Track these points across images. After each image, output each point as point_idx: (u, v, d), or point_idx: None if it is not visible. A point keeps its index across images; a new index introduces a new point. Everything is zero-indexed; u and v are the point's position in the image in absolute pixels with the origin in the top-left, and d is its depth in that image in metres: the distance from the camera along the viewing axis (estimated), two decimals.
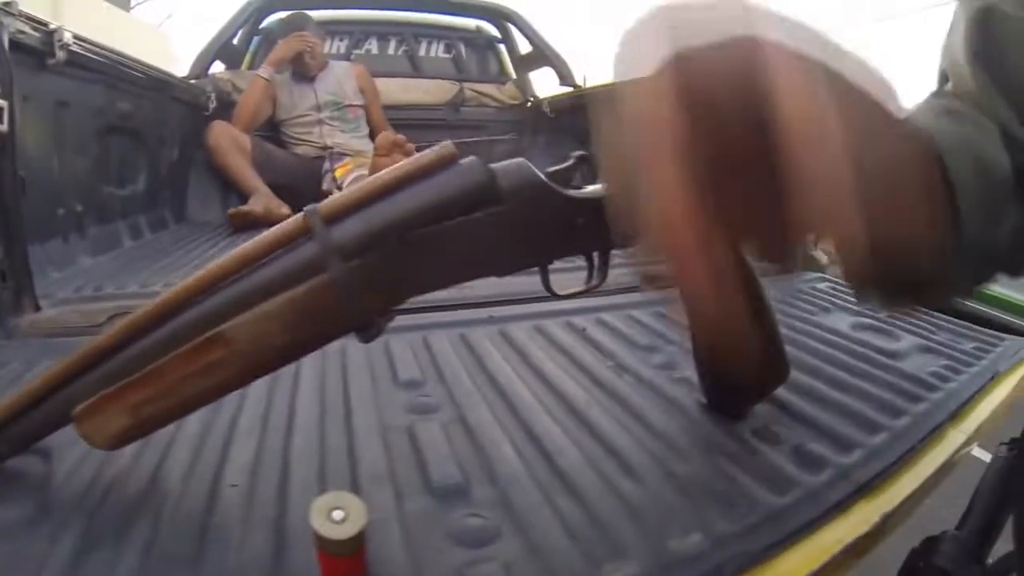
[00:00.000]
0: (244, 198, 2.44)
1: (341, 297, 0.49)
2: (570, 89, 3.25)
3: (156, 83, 2.16)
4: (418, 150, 2.20)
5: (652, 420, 0.74)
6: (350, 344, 0.93)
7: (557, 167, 0.58)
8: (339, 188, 2.50)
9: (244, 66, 3.24)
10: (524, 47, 3.53)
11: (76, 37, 1.49)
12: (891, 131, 0.32)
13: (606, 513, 0.56)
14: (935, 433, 0.75)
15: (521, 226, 0.53)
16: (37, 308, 1.18)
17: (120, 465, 0.63)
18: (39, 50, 1.37)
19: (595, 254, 0.59)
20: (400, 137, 1.75)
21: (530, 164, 0.55)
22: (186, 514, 0.56)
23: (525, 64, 3.55)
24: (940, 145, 0.36)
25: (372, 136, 2.93)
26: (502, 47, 3.68)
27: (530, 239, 0.55)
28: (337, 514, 0.41)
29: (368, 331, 0.52)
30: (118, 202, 1.89)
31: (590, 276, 0.60)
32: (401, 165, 0.52)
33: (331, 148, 2.74)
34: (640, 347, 0.99)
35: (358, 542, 0.42)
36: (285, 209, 2.28)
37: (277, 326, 0.49)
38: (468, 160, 0.53)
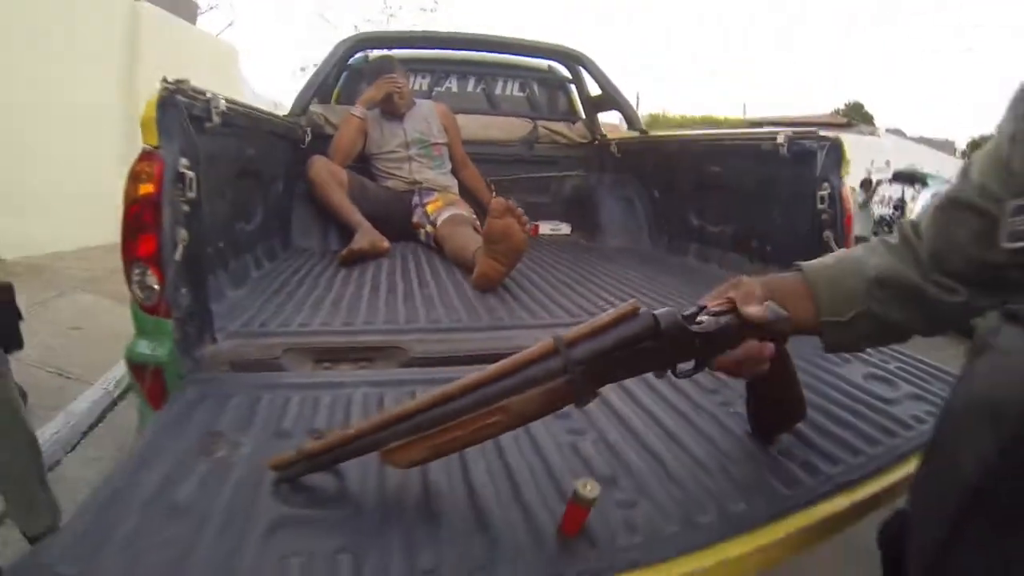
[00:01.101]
0: (342, 227, 2.68)
1: (574, 389, 0.80)
2: (636, 133, 3.45)
3: (270, 125, 2.40)
4: (494, 184, 2.42)
5: (715, 438, 1.09)
6: None
7: (689, 312, 0.87)
8: (431, 223, 2.74)
9: (333, 100, 3.51)
10: (593, 89, 3.73)
11: (227, 101, 1.69)
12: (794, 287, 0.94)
13: (691, 490, 0.93)
14: (900, 459, 1.05)
15: (668, 349, 0.83)
16: (214, 340, 1.40)
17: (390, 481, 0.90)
18: (201, 117, 1.56)
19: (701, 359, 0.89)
20: (512, 203, 1.97)
21: (676, 313, 0.84)
22: (452, 504, 0.86)
23: (594, 105, 3.75)
24: (809, 278, 0.94)
25: (454, 171, 3.19)
26: (572, 88, 3.89)
27: (672, 355, 0.85)
28: (588, 487, 0.76)
29: (584, 403, 0.82)
30: (245, 236, 2.10)
31: (696, 370, 0.89)
32: (607, 317, 0.81)
33: (419, 183, 2.98)
34: (708, 390, 1.29)
35: (593, 502, 0.77)
36: (385, 243, 2.50)
37: (535, 405, 0.79)
38: (643, 312, 0.82)
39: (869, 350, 1.47)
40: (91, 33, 6.63)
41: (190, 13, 13.48)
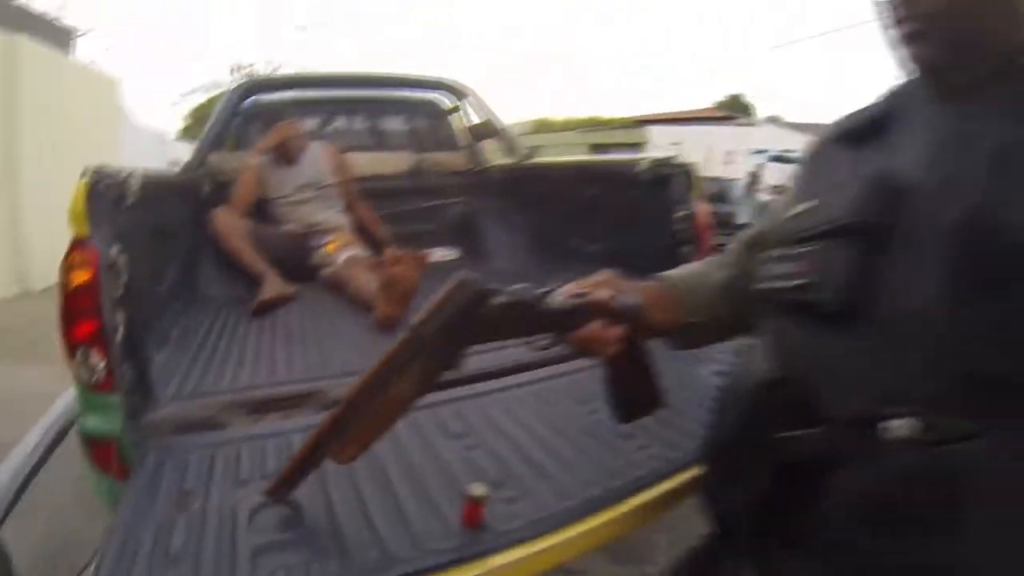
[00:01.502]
0: (248, 275, 2.85)
1: (436, 361, 1.00)
2: (514, 160, 3.75)
3: (174, 185, 2.58)
4: (383, 217, 2.73)
5: (581, 441, 1.41)
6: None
7: (543, 291, 1.08)
8: (330, 264, 2.95)
9: (229, 147, 3.65)
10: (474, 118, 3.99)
11: (142, 176, 1.82)
12: (661, 292, 1.13)
13: (560, 484, 1.24)
14: None
15: (516, 320, 1.04)
16: (157, 407, 1.56)
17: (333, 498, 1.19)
18: (119, 197, 1.67)
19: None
20: (402, 253, 2.24)
21: (528, 289, 1.06)
22: (382, 509, 1.16)
23: (475, 134, 4.03)
24: (674, 285, 1.12)
25: (347, 209, 3.41)
26: (455, 117, 4.15)
27: (521, 326, 1.06)
28: (479, 489, 1.05)
29: (452, 367, 1.01)
30: (162, 298, 2.21)
31: (553, 344, 1.09)
32: (442, 293, 0.98)
33: (315, 225, 3.19)
34: (580, 401, 1.61)
35: (484, 499, 1.07)
36: (291, 289, 2.71)
37: (414, 383, 1.00)
38: (470, 282, 1.00)
39: (718, 353, 1.74)
40: None
41: (64, 39, 13.01)
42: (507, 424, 1.50)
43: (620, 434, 1.38)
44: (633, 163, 2.42)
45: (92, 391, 1.42)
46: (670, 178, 2.24)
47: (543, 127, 30.71)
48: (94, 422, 1.44)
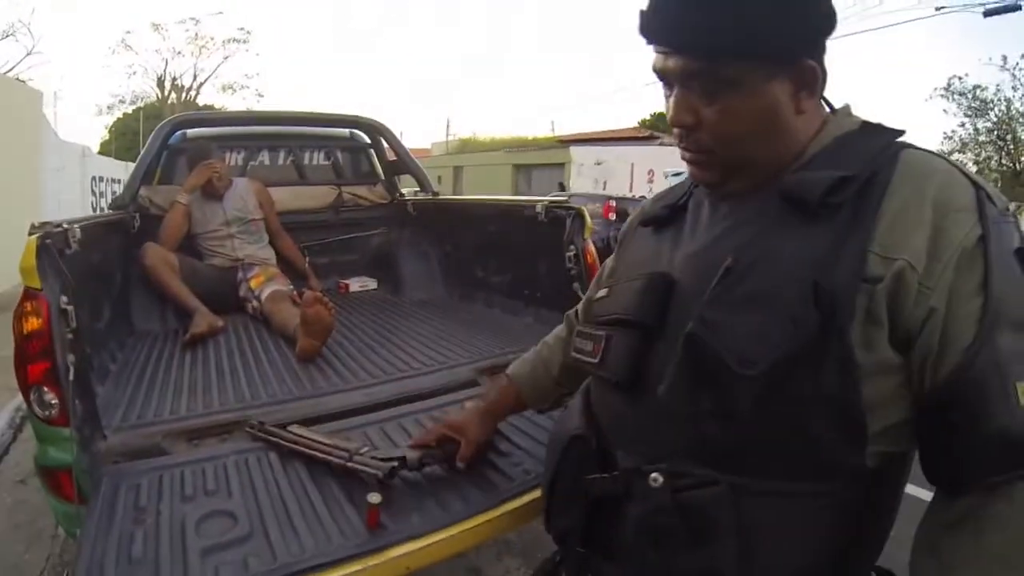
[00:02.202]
0: (178, 308, 3.04)
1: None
2: (429, 195, 4.05)
3: (107, 225, 2.73)
4: (307, 249, 3.31)
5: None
6: None
7: (398, 456, 1.50)
8: (256, 298, 3.16)
9: (156, 180, 3.79)
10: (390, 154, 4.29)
11: (79, 225, 1.98)
12: (506, 392, 1.48)
13: (445, 494, 1.49)
14: None
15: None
16: (104, 437, 1.74)
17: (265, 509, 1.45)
18: (61, 248, 1.80)
19: None
20: (319, 295, 2.45)
21: (391, 466, 1.48)
22: (301, 513, 1.43)
23: (392, 168, 4.31)
24: (516, 384, 1.46)
25: (271, 242, 3.63)
26: (372, 152, 4.40)
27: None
28: (375, 497, 1.32)
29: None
30: (100, 334, 2.37)
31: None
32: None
33: (241, 259, 3.39)
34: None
35: (379, 505, 1.34)
36: (220, 323, 2.90)
37: None
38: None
39: None
40: None
41: None
42: (401, 443, 1.73)
43: (499, 452, 1.67)
44: (532, 204, 2.66)
45: (47, 425, 1.58)
46: (564, 219, 2.47)
47: (469, 146, 30.87)
48: (51, 453, 1.58)
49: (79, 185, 11.99)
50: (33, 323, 1.56)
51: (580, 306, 1.32)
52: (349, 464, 1.52)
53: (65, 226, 1.89)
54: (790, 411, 0.76)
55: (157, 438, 1.76)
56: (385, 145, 4.25)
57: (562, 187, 17.87)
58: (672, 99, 0.88)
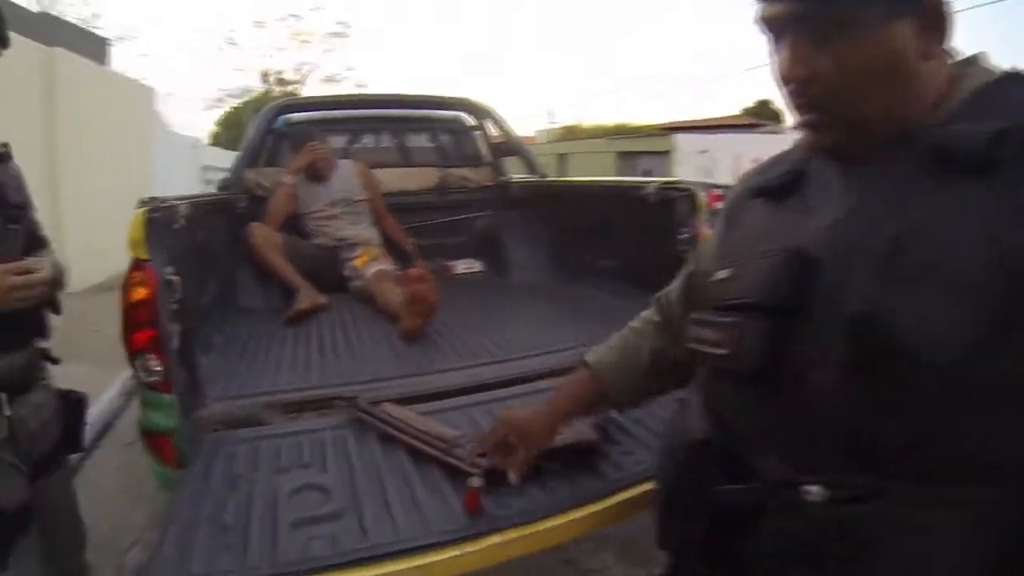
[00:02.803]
0: (282, 286, 3.04)
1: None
2: (535, 177, 3.92)
3: (215, 205, 2.79)
4: (411, 230, 2.99)
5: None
6: None
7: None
8: (359, 277, 3.13)
9: (262, 163, 3.84)
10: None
11: (187, 202, 2.02)
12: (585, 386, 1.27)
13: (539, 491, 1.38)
14: None
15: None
16: (205, 405, 1.78)
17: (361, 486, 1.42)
18: (169, 222, 1.86)
19: None
20: (424, 272, 2.43)
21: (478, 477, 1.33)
22: (399, 496, 1.39)
23: (498, 151, 4.20)
24: (597, 375, 1.24)
25: (375, 223, 3.58)
26: (478, 134, 4.31)
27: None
28: (476, 480, 1.25)
29: None
30: (206, 308, 2.42)
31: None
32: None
33: (345, 239, 3.37)
34: None
35: (480, 489, 1.26)
36: (323, 299, 2.89)
37: None
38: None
39: None
40: (11, 85, 6.67)
41: (100, 47, 13.26)
42: None
43: (609, 439, 1.56)
44: (642, 185, 2.57)
45: (151, 391, 1.61)
46: (675, 201, 2.37)
47: (572, 133, 30.82)
48: (154, 418, 1.62)
49: (190, 174, 12.94)
50: (140, 292, 1.60)
51: (676, 289, 1.18)
52: (447, 459, 1.46)
53: (173, 202, 1.93)
54: (977, 401, 0.65)
55: (256, 409, 1.78)
56: (491, 128, 4.15)
57: (649, 175, 17.45)
58: (780, 51, 0.79)
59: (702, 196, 2.35)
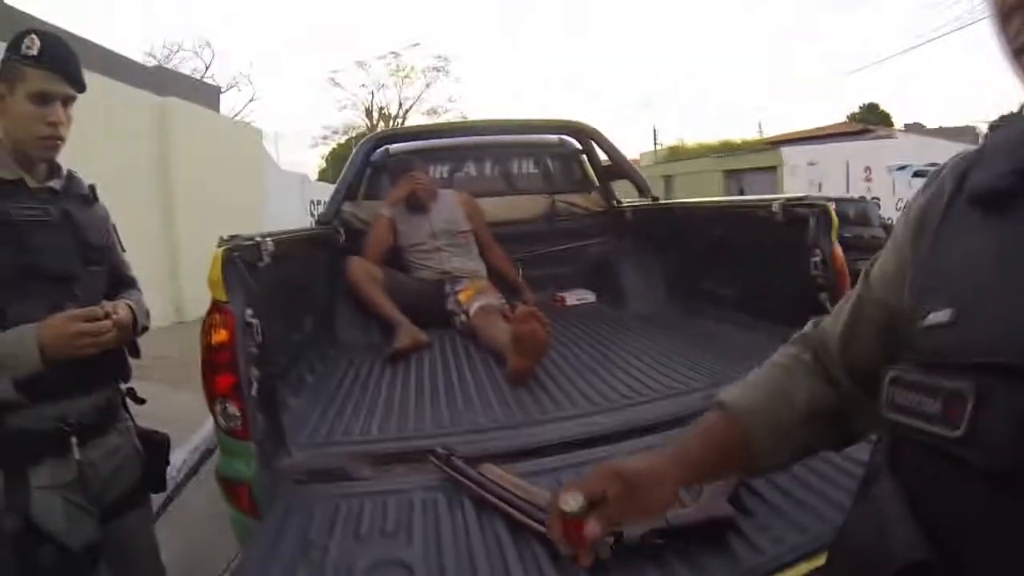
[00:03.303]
0: (381, 322, 2.91)
1: None
2: (648, 200, 3.65)
3: (309, 240, 2.67)
4: (520, 260, 2.84)
5: None
6: None
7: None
8: (464, 312, 2.93)
9: (361, 196, 3.75)
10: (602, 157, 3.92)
11: (273, 239, 1.90)
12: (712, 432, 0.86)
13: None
14: None
15: None
16: (289, 454, 1.64)
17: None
18: (253, 261, 1.77)
19: None
20: (534, 309, 2.19)
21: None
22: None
23: (606, 174, 3.96)
24: (744, 423, 0.83)
25: (481, 254, 3.40)
26: (584, 157, 4.08)
27: None
28: (570, 499, 0.77)
29: None
30: (298, 346, 2.31)
31: None
32: None
33: (449, 272, 3.19)
34: None
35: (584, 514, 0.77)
36: (424, 337, 2.72)
37: None
38: None
39: None
40: (126, 130, 7.18)
41: (212, 95, 14.13)
42: None
43: (740, 508, 1.27)
44: (767, 204, 2.31)
45: (228, 436, 1.56)
46: (806, 219, 2.11)
47: (677, 154, 30.38)
48: (231, 465, 1.57)
49: (299, 208, 13.65)
50: (218, 336, 1.55)
51: (835, 324, 0.86)
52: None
53: (258, 239, 1.84)
54: None
55: (342, 460, 1.65)
56: (598, 151, 3.91)
57: (742, 192, 16.85)
58: None
59: (834, 213, 2.08)
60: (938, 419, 0.55)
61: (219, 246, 1.60)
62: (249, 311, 1.60)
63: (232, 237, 1.68)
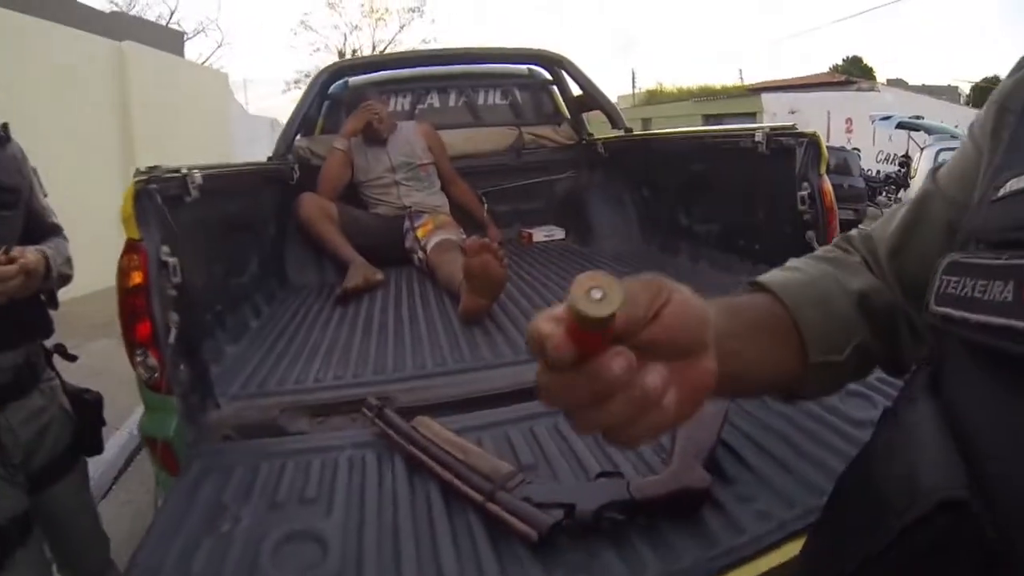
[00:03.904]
0: (336, 262, 2.74)
1: None
2: (621, 132, 3.46)
3: (255, 175, 2.47)
4: (485, 195, 2.46)
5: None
6: None
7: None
8: (422, 248, 2.76)
9: (317, 131, 3.55)
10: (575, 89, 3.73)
11: (203, 171, 1.72)
12: (744, 306, 0.60)
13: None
14: None
15: None
16: (217, 406, 1.48)
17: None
18: (179, 195, 1.61)
19: None
20: (486, 241, 1.99)
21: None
22: None
23: (577, 106, 3.76)
24: (788, 303, 0.61)
25: (444, 188, 3.22)
26: (555, 89, 3.89)
27: None
28: (596, 293, 0.37)
29: None
30: (241, 289, 2.15)
31: None
32: None
33: (409, 207, 3.01)
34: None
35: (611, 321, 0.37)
36: (378, 275, 2.55)
37: None
38: None
39: None
40: (81, 77, 6.96)
41: (176, 40, 13.74)
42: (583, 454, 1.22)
43: (719, 476, 1.06)
44: (750, 133, 2.12)
45: (148, 389, 1.41)
46: (792, 150, 1.94)
47: (655, 98, 30.07)
48: (153, 422, 1.44)
49: (269, 153, 13.07)
50: (132, 278, 1.38)
51: (888, 225, 0.68)
52: (489, 506, 1.01)
53: (184, 171, 1.66)
54: None
55: (275, 412, 1.49)
56: (569, 83, 3.70)
57: None
58: None
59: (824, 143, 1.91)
60: (1008, 308, 0.41)
61: (134, 178, 1.42)
62: (165, 248, 1.42)
63: (151, 168, 1.49)
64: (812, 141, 1.90)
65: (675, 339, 0.43)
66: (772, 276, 0.65)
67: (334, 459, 1.25)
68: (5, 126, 1.50)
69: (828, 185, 1.90)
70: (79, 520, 1.64)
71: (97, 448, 1.67)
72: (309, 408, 1.51)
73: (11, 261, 1.28)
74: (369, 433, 1.34)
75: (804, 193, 1.87)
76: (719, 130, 2.86)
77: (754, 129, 2.11)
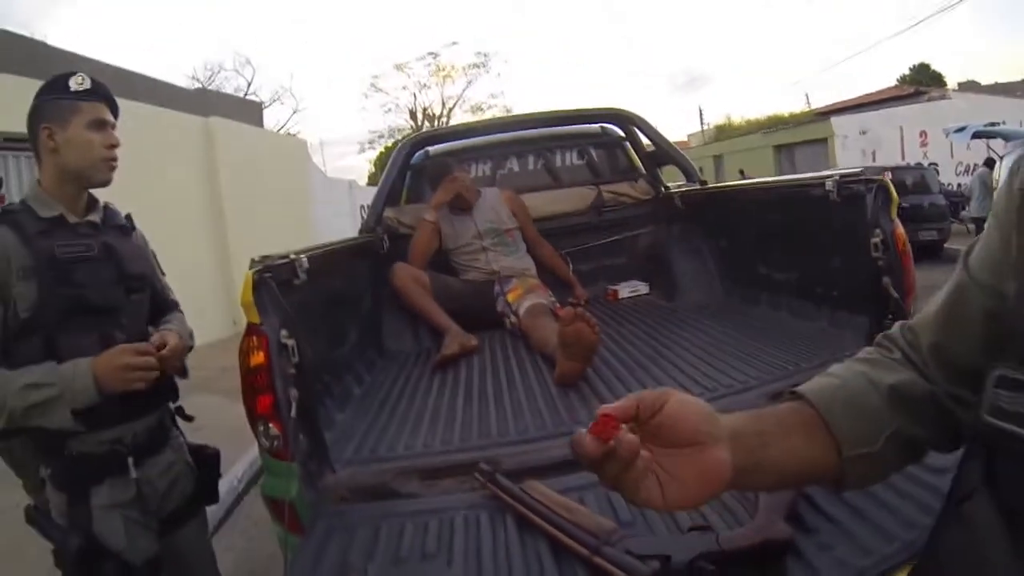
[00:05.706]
0: (430, 328, 2.88)
1: None
2: (696, 185, 3.51)
3: (350, 251, 2.63)
4: (568, 255, 2.87)
5: None
6: None
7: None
8: (514, 312, 2.87)
9: (402, 201, 3.72)
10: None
11: (308, 255, 1.86)
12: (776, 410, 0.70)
13: None
14: None
15: None
16: (333, 471, 1.62)
17: None
18: (288, 279, 1.75)
19: None
20: (580, 310, 2.09)
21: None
22: None
23: (651, 161, 3.85)
24: (818, 404, 0.68)
25: (529, 251, 3.34)
26: (628, 145, 3.97)
27: None
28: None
29: None
30: (343, 359, 2.28)
31: None
32: None
33: (498, 272, 3.13)
34: None
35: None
36: (473, 341, 2.66)
37: None
38: None
39: None
40: (174, 152, 7.44)
41: (255, 111, 14.40)
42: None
43: (800, 526, 1.14)
44: (820, 181, 2.17)
45: (271, 457, 1.56)
46: (862, 196, 1.98)
47: (724, 133, 29.84)
48: (275, 485, 1.57)
49: (348, 213, 14.22)
50: (255, 359, 1.55)
51: (931, 319, 0.72)
52: (595, 559, 1.11)
53: (291, 257, 1.81)
54: None
55: (387, 476, 1.61)
56: (642, 137, 3.78)
57: (742, 173, 16.39)
58: None
59: (893, 188, 1.95)
60: None
61: (250, 268, 1.59)
62: (284, 332, 1.58)
63: (264, 258, 1.66)
64: (881, 186, 1.95)
65: (676, 426, 0.59)
66: (808, 384, 0.74)
67: (450, 519, 1.37)
68: (129, 216, 1.73)
69: (901, 229, 1.93)
70: (200, 561, 1.84)
71: (214, 497, 1.88)
72: (420, 472, 1.62)
73: (158, 350, 1.53)
74: (480, 495, 1.45)
75: (877, 239, 1.90)
76: (790, 180, 2.92)
77: (824, 177, 2.15)
